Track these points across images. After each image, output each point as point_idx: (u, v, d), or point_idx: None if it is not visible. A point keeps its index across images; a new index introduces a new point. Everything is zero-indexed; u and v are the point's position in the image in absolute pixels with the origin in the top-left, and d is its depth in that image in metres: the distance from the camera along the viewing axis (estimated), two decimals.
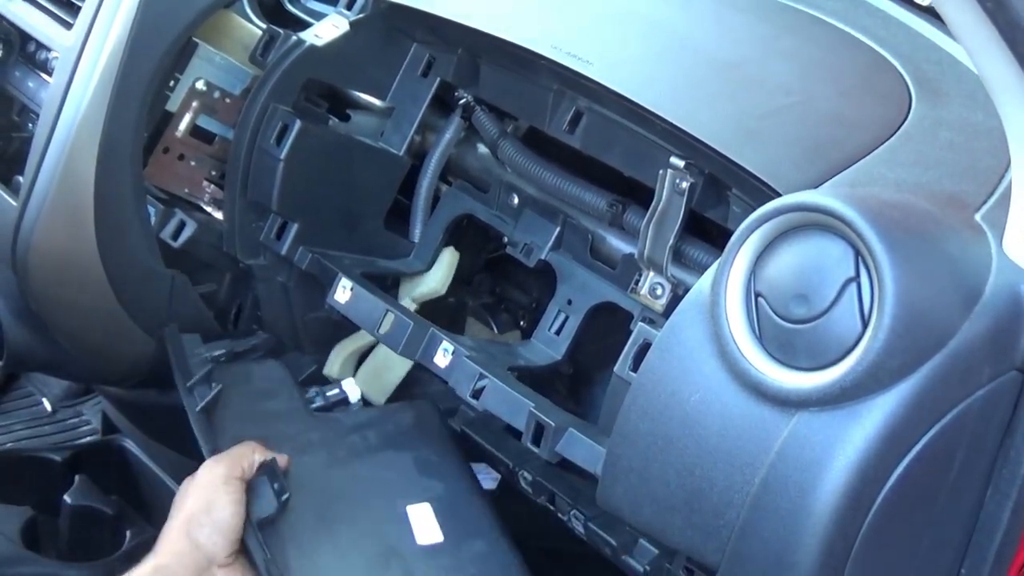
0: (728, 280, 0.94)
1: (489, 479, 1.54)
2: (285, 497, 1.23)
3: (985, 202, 1.02)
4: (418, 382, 1.44)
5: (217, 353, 1.35)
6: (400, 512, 1.34)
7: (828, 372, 0.88)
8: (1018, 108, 0.90)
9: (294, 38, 1.33)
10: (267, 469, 1.23)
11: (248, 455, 1.26)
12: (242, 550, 1.25)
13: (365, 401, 1.40)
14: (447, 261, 1.44)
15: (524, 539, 1.41)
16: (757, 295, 0.92)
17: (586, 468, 1.10)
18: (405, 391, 1.43)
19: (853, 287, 0.88)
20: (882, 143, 1.09)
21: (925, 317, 0.88)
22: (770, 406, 0.91)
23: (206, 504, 1.23)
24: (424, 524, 1.35)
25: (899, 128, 1.11)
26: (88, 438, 1.79)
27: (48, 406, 2.00)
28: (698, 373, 0.94)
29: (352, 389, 1.38)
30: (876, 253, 0.86)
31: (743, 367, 0.92)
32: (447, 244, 1.45)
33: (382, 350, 1.44)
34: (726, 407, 0.93)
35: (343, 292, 1.28)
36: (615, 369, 1.06)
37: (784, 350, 0.91)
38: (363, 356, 1.47)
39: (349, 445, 1.37)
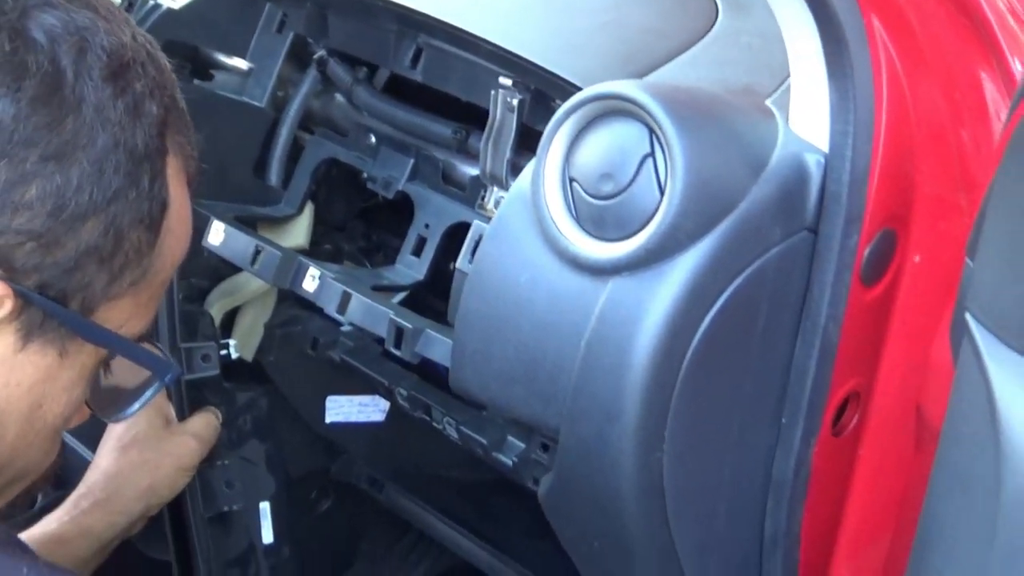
0: (545, 170, 1.04)
1: (378, 411, 1.65)
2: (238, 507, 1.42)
3: (775, 91, 1.13)
4: (298, 320, 1.53)
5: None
6: (256, 508, 1.52)
7: (634, 239, 0.99)
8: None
9: (152, 2, 1.42)
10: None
11: (213, 439, 1.43)
12: None
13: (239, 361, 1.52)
14: (308, 215, 1.53)
15: (430, 468, 1.52)
16: (571, 180, 1.03)
17: (443, 363, 1.20)
18: (286, 330, 1.52)
19: (649, 162, 0.99)
20: (687, 49, 1.21)
21: (714, 183, 0.99)
22: (588, 276, 1.01)
23: (171, 483, 1.41)
24: (266, 523, 1.49)
25: (704, 36, 1.23)
26: None
27: None
28: (525, 255, 1.05)
29: (235, 349, 1.51)
30: (665, 129, 0.97)
31: (563, 244, 1.02)
32: (317, 191, 1.54)
33: (249, 310, 1.53)
34: (551, 282, 1.03)
35: (216, 234, 1.37)
36: (456, 264, 1.17)
37: (597, 225, 1.02)
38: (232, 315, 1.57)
39: (238, 428, 1.49)
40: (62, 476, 1.71)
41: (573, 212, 1.03)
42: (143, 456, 1.35)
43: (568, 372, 1.03)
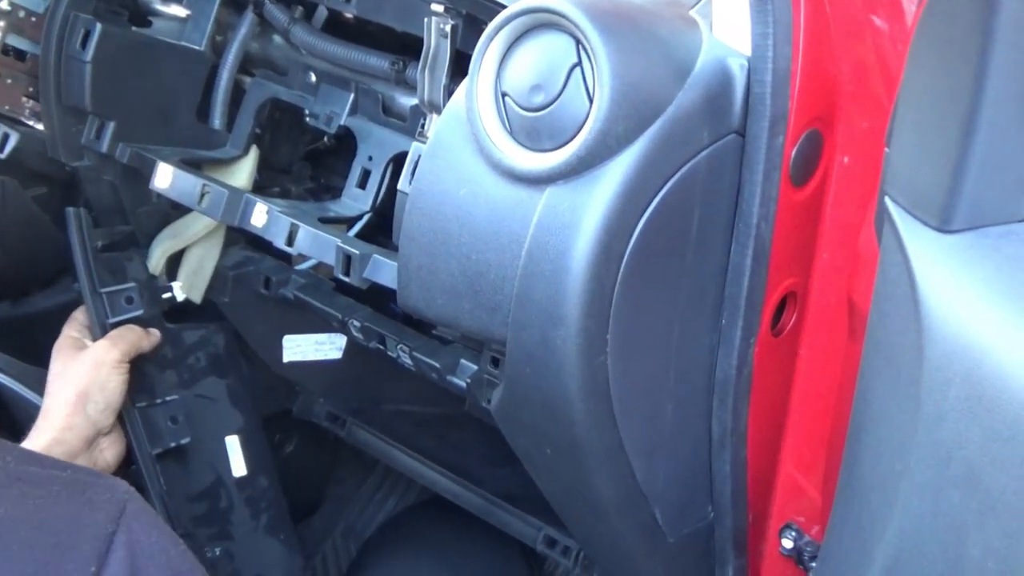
0: (478, 86, 1.07)
1: (335, 348, 1.67)
2: (185, 441, 1.44)
3: (699, 1, 1.16)
4: (251, 261, 1.56)
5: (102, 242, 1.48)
6: (221, 442, 1.53)
7: (567, 148, 1.02)
8: None
9: None
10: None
11: (136, 341, 1.40)
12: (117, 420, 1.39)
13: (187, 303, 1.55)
14: (252, 156, 1.54)
15: (389, 404, 1.55)
16: (503, 94, 1.06)
17: (392, 287, 1.23)
18: (238, 271, 1.55)
19: (578, 71, 1.02)
20: None
21: (641, 88, 1.02)
22: (525, 186, 1.04)
23: (100, 383, 1.38)
24: (235, 457, 1.52)
25: None
26: None
27: None
28: (463, 170, 1.08)
29: (179, 291, 1.53)
30: (591, 38, 1.00)
31: (498, 157, 1.05)
32: (262, 135, 1.56)
33: (194, 252, 1.55)
34: (489, 195, 1.06)
35: (163, 176, 1.39)
36: (399, 186, 1.20)
37: (530, 137, 1.04)
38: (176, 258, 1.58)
39: (190, 367, 1.51)
40: (17, 426, 1.74)
41: (507, 126, 1.06)
42: (63, 376, 1.39)
43: (510, 281, 1.06)
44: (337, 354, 1.67)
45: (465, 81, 1.09)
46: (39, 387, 1.69)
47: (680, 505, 1.24)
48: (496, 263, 1.06)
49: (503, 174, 1.05)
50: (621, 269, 1.04)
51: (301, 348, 1.63)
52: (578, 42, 1.02)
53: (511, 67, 1.06)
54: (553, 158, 1.03)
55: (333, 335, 1.64)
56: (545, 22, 1.04)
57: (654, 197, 1.04)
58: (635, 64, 1.02)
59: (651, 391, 1.14)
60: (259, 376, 1.64)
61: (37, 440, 1.33)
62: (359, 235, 1.40)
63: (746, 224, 1.12)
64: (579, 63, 1.02)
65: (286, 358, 1.63)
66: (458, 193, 1.08)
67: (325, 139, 1.67)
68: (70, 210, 1.42)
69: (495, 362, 1.22)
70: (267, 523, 1.54)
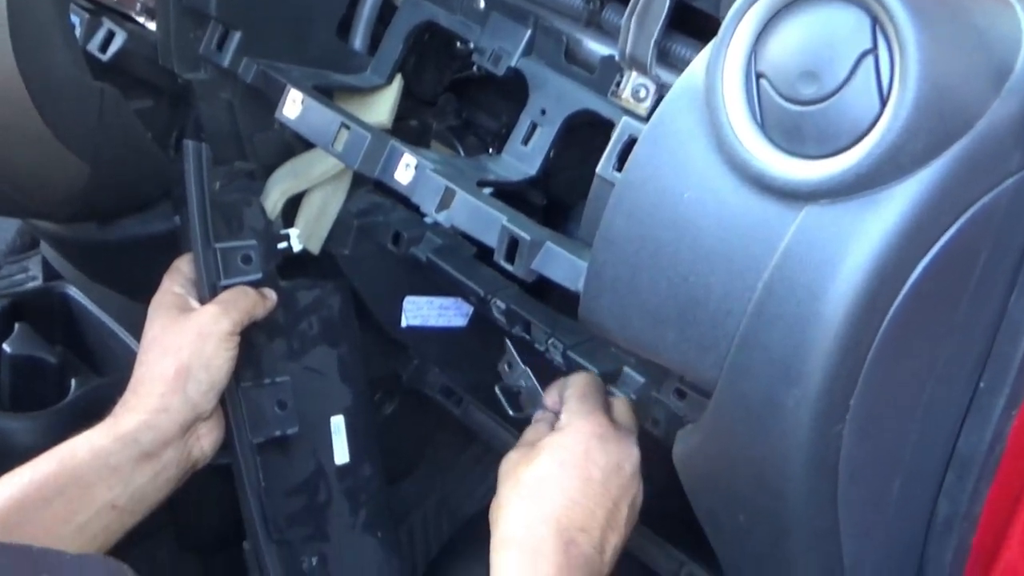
0: (725, 60, 0.82)
1: (460, 315, 1.45)
2: (292, 431, 1.25)
3: None
4: (379, 209, 1.33)
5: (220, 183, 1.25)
6: (326, 424, 1.31)
7: (841, 158, 0.78)
8: None
9: None
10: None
11: (250, 308, 1.18)
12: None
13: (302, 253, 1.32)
14: (395, 88, 1.30)
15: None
16: (759, 76, 0.81)
17: (566, 285, 0.99)
18: (365, 220, 1.31)
19: (870, 60, 0.77)
20: None
21: (952, 93, 0.77)
22: (774, 200, 0.80)
23: (205, 359, 1.15)
24: (339, 440, 1.29)
25: None
26: (30, 284, 1.67)
27: None
28: (691, 167, 0.84)
29: (296, 240, 1.30)
30: (898, 18, 0.75)
31: (743, 158, 0.81)
32: (408, 58, 1.32)
33: (316, 195, 1.32)
34: (724, 204, 0.82)
35: (293, 105, 1.15)
36: (597, 170, 0.95)
37: (790, 136, 0.80)
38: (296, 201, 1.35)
39: (301, 334, 1.29)
40: (102, 362, 1.55)
41: (758, 117, 0.81)
42: (162, 344, 1.16)
43: (737, 317, 0.82)
44: (462, 322, 1.44)
45: (707, 49, 0.84)
46: (124, 320, 1.51)
47: None
48: (721, 292, 0.83)
49: (746, 179, 0.81)
50: (886, 321, 0.80)
51: (423, 312, 1.41)
52: (875, 21, 0.76)
53: (775, 41, 0.80)
54: (819, 168, 0.78)
55: (460, 301, 1.41)
56: None
57: (943, 233, 0.80)
58: (950, 60, 0.77)
59: (884, 467, 0.91)
60: (370, 340, 1.41)
61: (126, 421, 1.12)
62: (504, 196, 1.16)
63: None
64: (874, 50, 0.77)
65: (405, 322, 1.40)
66: (682, 196, 0.84)
67: (475, 68, 1.43)
68: (188, 143, 1.19)
69: (681, 394, 0.99)
70: (365, 519, 1.32)
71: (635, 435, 1.09)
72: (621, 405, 1.12)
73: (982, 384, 0.93)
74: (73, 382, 1.47)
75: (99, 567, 0.74)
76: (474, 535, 1.25)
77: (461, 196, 1.05)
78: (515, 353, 1.20)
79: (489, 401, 1.50)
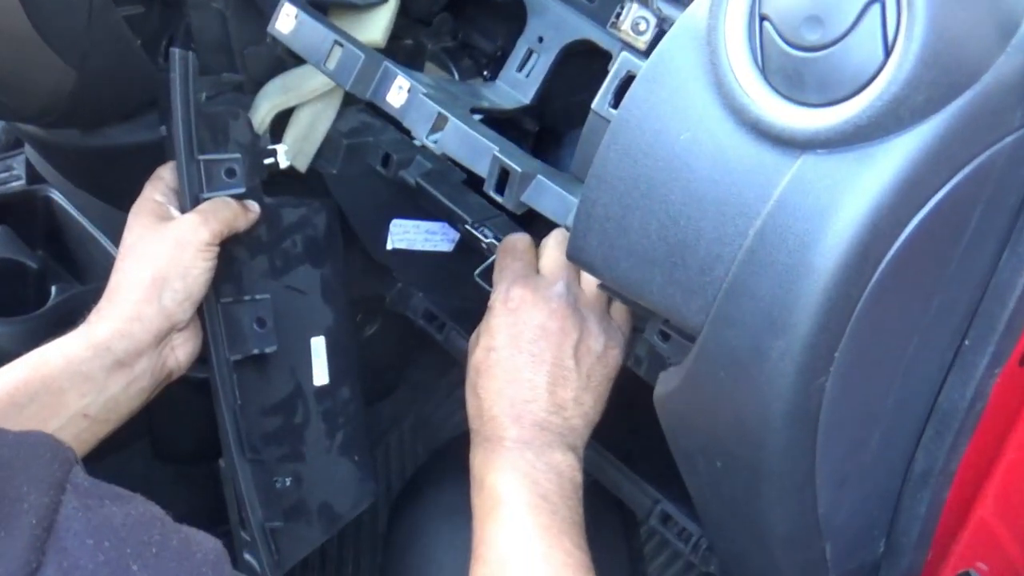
0: (729, 0, 0.81)
1: (446, 240, 1.44)
2: (271, 350, 1.23)
3: None
4: (369, 129, 1.30)
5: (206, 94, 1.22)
6: (306, 345, 1.30)
7: (842, 107, 0.76)
8: None
9: None
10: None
11: (231, 219, 1.16)
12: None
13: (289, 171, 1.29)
14: (392, 6, 1.26)
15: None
16: (762, 18, 0.79)
17: (556, 220, 0.98)
18: (354, 140, 1.29)
19: (876, 8, 0.75)
20: None
21: (958, 46, 0.76)
22: (771, 147, 0.79)
23: (182, 268, 1.13)
24: (319, 362, 1.28)
25: None
26: (13, 185, 1.64)
27: None
28: (689, 108, 0.82)
29: (283, 156, 1.27)
30: None
31: (742, 102, 0.79)
32: None
33: (305, 112, 1.29)
34: (720, 147, 0.81)
35: (286, 19, 1.13)
36: (593, 106, 0.94)
37: (791, 82, 0.78)
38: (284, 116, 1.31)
39: (284, 252, 1.27)
40: (82, 270, 1.53)
41: (759, 61, 0.79)
42: (139, 251, 1.14)
43: (726, 263, 0.81)
44: (448, 247, 1.43)
45: None
46: (107, 228, 1.49)
47: (853, 541, 1.02)
48: (712, 236, 0.82)
49: (744, 123, 0.80)
50: (876, 275, 0.79)
51: (409, 236, 1.39)
52: None
53: None
54: (819, 117, 0.77)
55: (447, 225, 1.40)
56: None
57: (939, 189, 0.79)
58: (957, 14, 0.75)
59: (864, 419, 0.91)
60: (354, 261, 1.39)
61: (99, 329, 1.10)
62: (494, 123, 1.14)
63: None
64: None
65: (391, 244, 1.39)
66: (678, 137, 0.82)
67: None
68: (175, 51, 1.16)
69: (664, 335, 0.98)
70: (342, 442, 1.32)
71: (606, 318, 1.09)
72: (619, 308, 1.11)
73: (967, 342, 0.92)
74: (53, 289, 1.45)
75: (42, 444, 0.72)
76: (450, 459, 1.25)
77: (453, 123, 1.03)
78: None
79: (471, 328, 1.49)
